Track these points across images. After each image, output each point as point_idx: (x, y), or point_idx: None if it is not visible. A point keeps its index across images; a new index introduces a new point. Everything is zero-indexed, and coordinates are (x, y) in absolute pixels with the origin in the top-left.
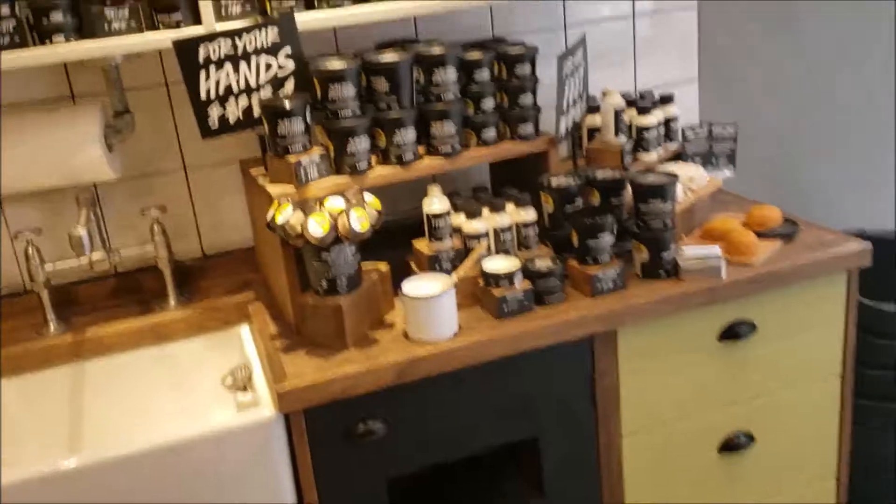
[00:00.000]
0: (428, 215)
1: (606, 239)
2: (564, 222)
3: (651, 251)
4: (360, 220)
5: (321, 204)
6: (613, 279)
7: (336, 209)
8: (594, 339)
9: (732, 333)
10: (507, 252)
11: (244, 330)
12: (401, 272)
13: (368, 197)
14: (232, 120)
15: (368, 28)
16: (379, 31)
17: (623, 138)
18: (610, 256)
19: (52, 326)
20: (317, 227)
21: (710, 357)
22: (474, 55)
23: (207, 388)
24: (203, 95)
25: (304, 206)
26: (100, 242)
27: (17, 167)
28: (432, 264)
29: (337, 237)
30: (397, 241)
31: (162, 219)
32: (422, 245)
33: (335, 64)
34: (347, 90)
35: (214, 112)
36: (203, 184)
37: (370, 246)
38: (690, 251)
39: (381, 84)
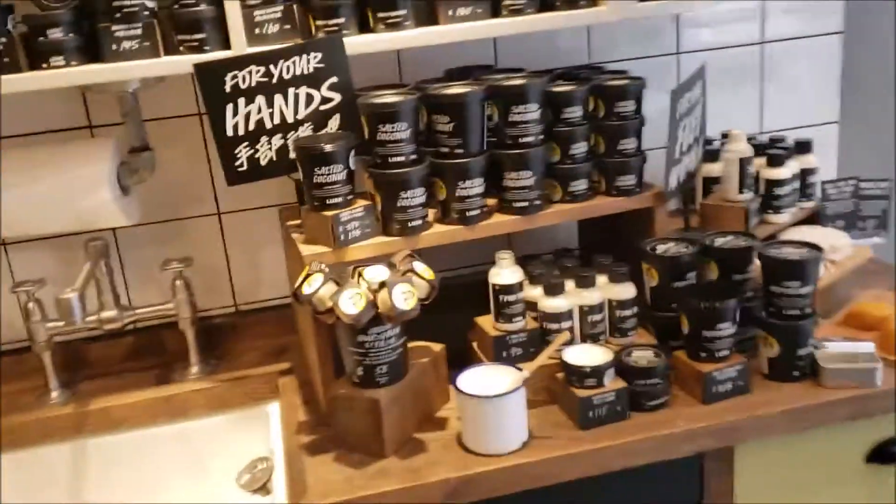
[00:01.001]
0: (494, 287)
1: (726, 329)
2: (672, 302)
3: (783, 346)
4: (407, 296)
5: (359, 273)
6: (733, 380)
7: (377, 280)
8: (704, 457)
9: (885, 455)
10: (595, 339)
11: (273, 409)
12: (460, 352)
13: (419, 266)
14: (264, 162)
15: (439, 52)
16: (451, 56)
17: (749, 194)
18: (730, 350)
19: (53, 394)
20: (350, 303)
21: (853, 483)
22: (564, 88)
23: (225, 477)
24: (230, 132)
25: (339, 276)
26: (112, 298)
27: (19, 210)
28: (498, 350)
29: (376, 316)
30: (460, 305)
31: (186, 273)
32: (486, 324)
33: (387, 98)
34: (401, 130)
35: (244, 153)
36: (240, 231)
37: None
38: (836, 348)
39: (444, 123)
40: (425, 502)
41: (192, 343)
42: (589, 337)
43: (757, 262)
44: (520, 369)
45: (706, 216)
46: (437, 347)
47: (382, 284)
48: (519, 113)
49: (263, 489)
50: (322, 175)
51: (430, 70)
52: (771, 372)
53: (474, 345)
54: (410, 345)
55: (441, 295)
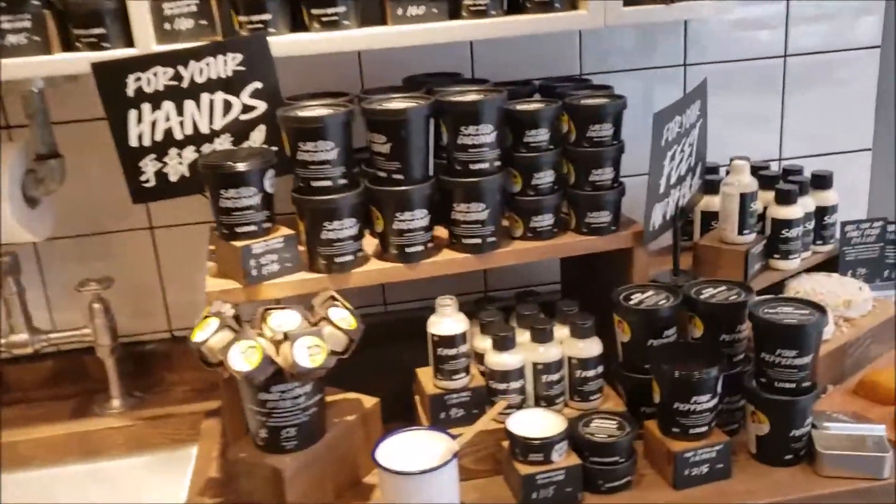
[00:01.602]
0: (433, 339)
1: (704, 402)
2: (646, 363)
3: (775, 424)
4: (313, 352)
5: (263, 319)
6: (711, 462)
7: (282, 329)
8: None
9: None
10: (552, 402)
11: (195, 454)
12: (404, 400)
13: (337, 313)
14: (174, 178)
15: (407, 56)
16: (421, 62)
17: (751, 235)
18: (709, 426)
19: None
20: (241, 358)
21: None
22: (527, 106)
23: None
24: (134, 142)
25: (240, 321)
26: (24, 320)
27: None
28: (436, 411)
29: (280, 372)
30: (418, 339)
31: (107, 294)
32: (426, 378)
33: (310, 111)
34: (326, 150)
35: (150, 166)
36: (175, 246)
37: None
38: (838, 429)
39: (381, 143)
40: None
41: (113, 374)
42: (544, 399)
43: (748, 323)
44: (454, 437)
45: (700, 258)
46: (369, 402)
47: (286, 336)
48: (470, 135)
49: None
50: (231, 199)
51: (396, 77)
52: (759, 452)
53: (417, 400)
54: (338, 397)
55: (396, 329)
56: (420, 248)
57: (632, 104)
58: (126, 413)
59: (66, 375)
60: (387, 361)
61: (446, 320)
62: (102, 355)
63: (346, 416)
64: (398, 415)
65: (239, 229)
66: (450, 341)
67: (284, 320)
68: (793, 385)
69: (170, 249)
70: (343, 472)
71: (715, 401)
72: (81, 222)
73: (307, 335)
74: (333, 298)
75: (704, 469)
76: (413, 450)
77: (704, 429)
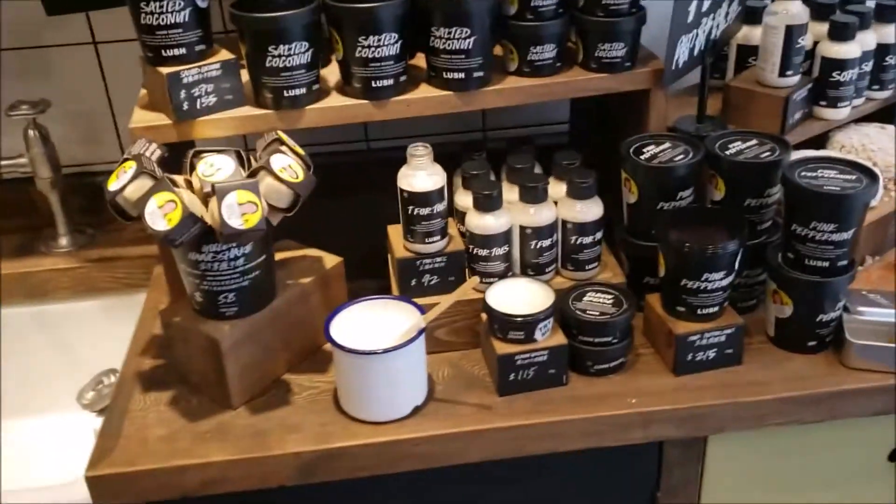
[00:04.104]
0: (402, 195)
1: (717, 281)
2: (652, 228)
3: (799, 307)
4: (247, 210)
5: (193, 166)
6: (719, 347)
7: (213, 179)
8: (664, 447)
9: None
10: (541, 271)
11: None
12: (384, 257)
13: (282, 161)
14: None
15: None
16: None
17: (794, 78)
18: (721, 306)
19: None
20: (158, 214)
21: (873, 486)
22: None
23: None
24: None
25: (161, 170)
26: None
27: None
28: (405, 277)
29: (207, 230)
30: (388, 188)
31: (46, 120)
32: (397, 237)
33: None
34: None
35: None
36: (125, 66)
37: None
38: (872, 315)
39: None
40: (273, 478)
41: (58, 209)
42: (531, 268)
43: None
44: (422, 310)
45: (731, 102)
46: (331, 262)
47: (213, 190)
48: None
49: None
50: (153, 14)
51: None
52: (778, 336)
53: (390, 257)
54: (296, 253)
55: (378, 173)
56: (389, 81)
57: None
58: (74, 253)
59: (11, 207)
60: (364, 211)
61: (419, 174)
62: (43, 189)
63: (302, 277)
64: (377, 272)
65: (166, 52)
66: (423, 199)
67: (217, 167)
68: (826, 264)
69: (117, 68)
70: (297, 341)
71: (730, 278)
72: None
73: (238, 189)
74: (280, 142)
75: (711, 354)
76: (374, 323)
77: (715, 309)
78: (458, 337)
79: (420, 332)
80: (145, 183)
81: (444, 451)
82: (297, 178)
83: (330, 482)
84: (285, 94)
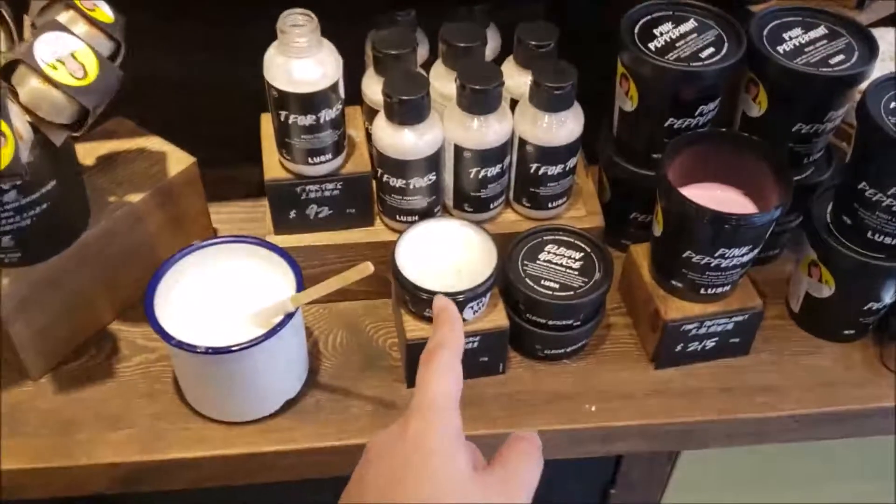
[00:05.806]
0: (271, 92)
1: (735, 258)
2: (651, 151)
3: (845, 289)
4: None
5: None
6: (720, 337)
7: None
8: (622, 462)
9: None
10: (482, 207)
11: None
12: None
13: (54, 45)
14: None
15: None
16: None
17: None
18: (731, 284)
19: None
20: None
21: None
22: None
23: None
24: None
25: None
26: None
27: None
28: (280, 208)
29: None
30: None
31: None
32: (271, 148)
33: None
34: None
35: None
36: None
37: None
38: None
39: None
40: (71, 491)
41: None
42: (470, 202)
43: (854, 100)
44: (299, 271)
45: None
46: (179, 163)
47: None
48: None
49: None
50: None
51: None
52: (804, 316)
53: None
54: (130, 144)
55: None
56: None
57: None
58: None
59: None
60: (245, 55)
61: (299, 63)
62: None
63: (134, 192)
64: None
65: None
66: (306, 102)
67: None
68: (895, 242)
69: None
70: (130, 276)
71: (755, 252)
72: None
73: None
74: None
75: (710, 344)
76: (227, 282)
77: (725, 289)
78: (370, 286)
79: (286, 319)
80: None
81: (319, 463)
82: (87, 74)
83: (154, 492)
84: None
